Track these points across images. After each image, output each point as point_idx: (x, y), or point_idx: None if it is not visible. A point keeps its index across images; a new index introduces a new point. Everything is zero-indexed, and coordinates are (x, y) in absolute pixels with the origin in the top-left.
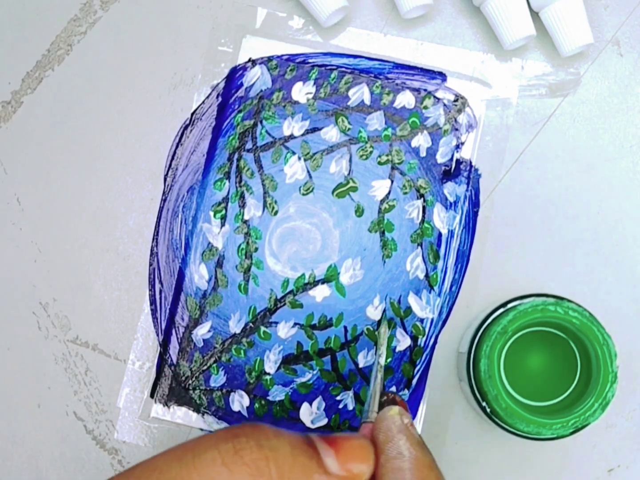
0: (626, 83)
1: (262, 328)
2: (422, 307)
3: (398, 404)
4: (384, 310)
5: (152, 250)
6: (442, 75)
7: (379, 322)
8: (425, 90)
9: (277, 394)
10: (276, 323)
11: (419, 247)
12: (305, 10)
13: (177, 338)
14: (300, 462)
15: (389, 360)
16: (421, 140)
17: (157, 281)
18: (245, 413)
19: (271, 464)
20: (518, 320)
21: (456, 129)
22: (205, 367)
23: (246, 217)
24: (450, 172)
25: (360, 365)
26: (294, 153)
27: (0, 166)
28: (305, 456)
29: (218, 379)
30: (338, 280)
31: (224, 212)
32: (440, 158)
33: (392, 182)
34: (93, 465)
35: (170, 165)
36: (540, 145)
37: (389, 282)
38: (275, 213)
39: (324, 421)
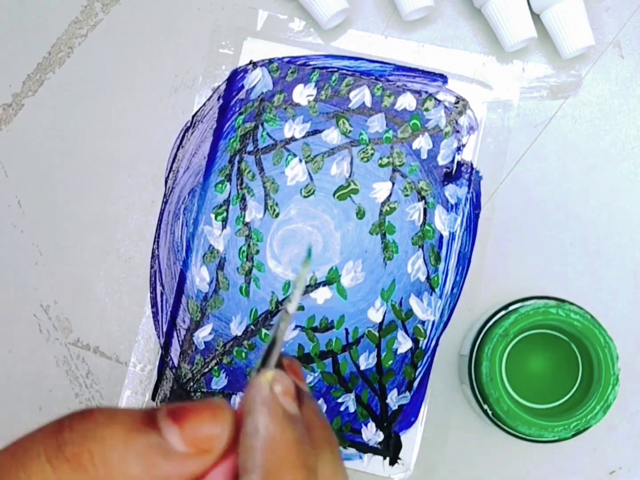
0: (627, 85)
1: (264, 330)
2: (424, 310)
3: (285, 367)
4: (310, 248)
5: (153, 252)
6: (443, 78)
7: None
8: (426, 92)
9: None
10: None
11: (420, 250)
12: (306, 13)
13: (179, 340)
14: (135, 449)
15: (390, 362)
16: (422, 143)
17: (158, 284)
18: None
19: (95, 457)
20: (520, 323)
21: (457, 131)
22: (206, 370)
23: (247, 219)
24: (452, 174)
25: (362, 367)
26: (295, 155)
27: (1, 168)
28: (141, 440)
29: (219, 381)
30: (339, 283)
31: (225, 214)
32: (442, 160)
33: (393, 184)
34: None
35: (171, 167)
36: (542, 147)
37: (390, 284)
38: (277, 215)
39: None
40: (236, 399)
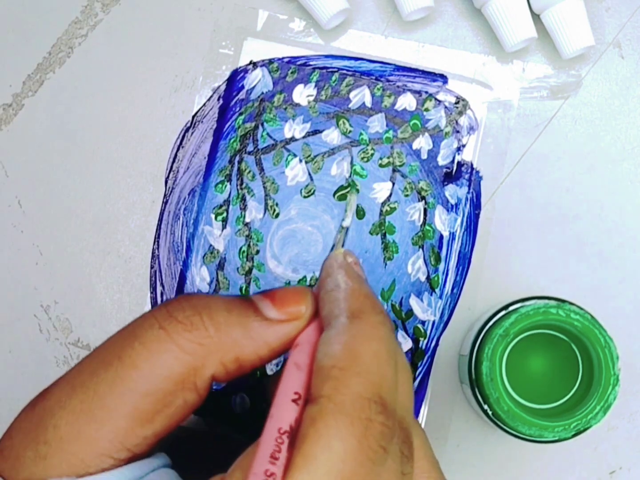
0: (627, 85)
1: None
2: (424, 310)
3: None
4: (351, 177)
5: (153, 252)
6: (443, 78)
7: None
8: (426, 92)
9: None
10: None
11: (421, 250)
12: (306, 13)
13: None
14: (236, 314)
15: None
16: (422, 143)
17: (158, 284)
18: (247, 416)
19: (205, 318)
20: (520, 323)
21: (457, 131)
22: None
23: (247, 219)
24: (452, 175)
25: None
26: (295, 155)
27: (1, 169)
28: (240, 308)
29: None
30: None
31: (225, 214)
32: (442, 160)
33: (393, 184)
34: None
35: (171, 167)
36: (542, 148)
37: (390, 284)
38: (277, 215)
39: None
40: (236, 399)
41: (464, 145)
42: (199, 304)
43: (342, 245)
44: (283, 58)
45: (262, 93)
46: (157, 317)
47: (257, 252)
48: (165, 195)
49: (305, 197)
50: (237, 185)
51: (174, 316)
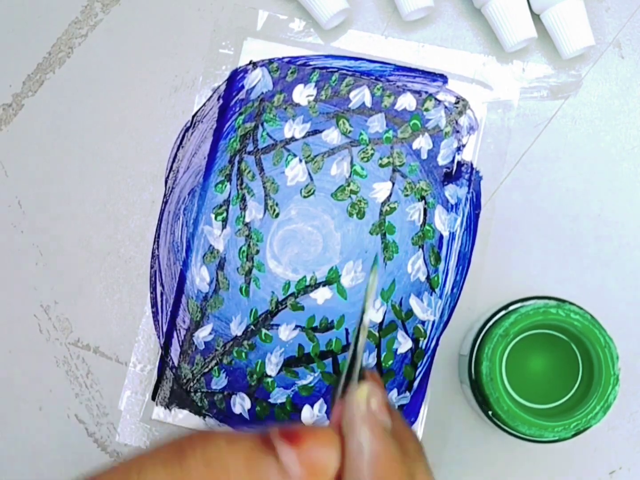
0: (627, 85)
1: (264, 330)
2: (424, 310)
3: (369, 379)
4: (376, 256)
5: (153, 252)
6: (443, 78)
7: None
8: (426, 92)
9: (279, 396)
10: (277, 325)
11: (420, 250)
12: (306, 13)
13: (179, 341)
14: (256, 473)
15: (390, 362)
16: (422, 143)
17: (158, 284)
18: (246, 415)
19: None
20: (520, 323)
21: (457, 131)
22: (206, 370)
23: (247, 219)
24: (452, 175)
25: None
26: (295, 155)
27: (1, 169)
28: (262, 464)
29: (219, 381)
30: (339, 283)
31: (225, 214)
32: (442, 160)
33: (393, 184)
34: (94, 468)
35: (171, 167)
36: (542, 147)
37: (390, 284)
38: (277, 215)
39: (326, 424)
40: (236, 399)
41: (463, 145)
42: (216, 460)
43: (360, 362)
44: (283, 58)
45: (262, 93)
46: (167, 468)
47: (257, 252)
48: (165, 195)
49: (305, 197)
50: (237, 185)
51: (186, 472)
